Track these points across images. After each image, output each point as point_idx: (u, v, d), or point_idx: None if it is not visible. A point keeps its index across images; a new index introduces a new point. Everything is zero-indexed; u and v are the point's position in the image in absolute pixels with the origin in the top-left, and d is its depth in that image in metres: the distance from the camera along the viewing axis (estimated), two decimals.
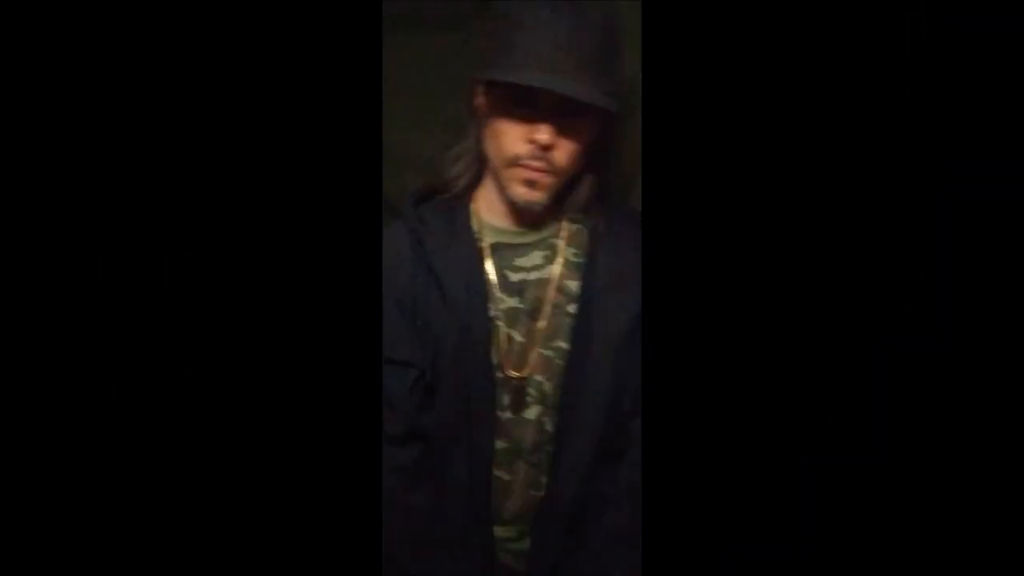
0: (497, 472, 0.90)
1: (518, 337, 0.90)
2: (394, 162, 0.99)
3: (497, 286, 0.90)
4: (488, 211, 0.93)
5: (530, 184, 0.86)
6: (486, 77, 0.84)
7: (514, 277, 0.91)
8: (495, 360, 0.89)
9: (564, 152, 0.85)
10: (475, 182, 0.94)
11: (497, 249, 0.92)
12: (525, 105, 0.84)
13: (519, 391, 0.89)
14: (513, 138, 0.85)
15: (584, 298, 0.90)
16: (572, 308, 0.90)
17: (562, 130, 0.84)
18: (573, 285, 0.91)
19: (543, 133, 0.83)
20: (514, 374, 0.89)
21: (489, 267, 0.91)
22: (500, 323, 0.90)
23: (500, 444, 0.89)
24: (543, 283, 0.91)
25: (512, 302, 0.90)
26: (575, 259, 0.92)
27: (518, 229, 0.93)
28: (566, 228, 0.93)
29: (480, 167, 0.92)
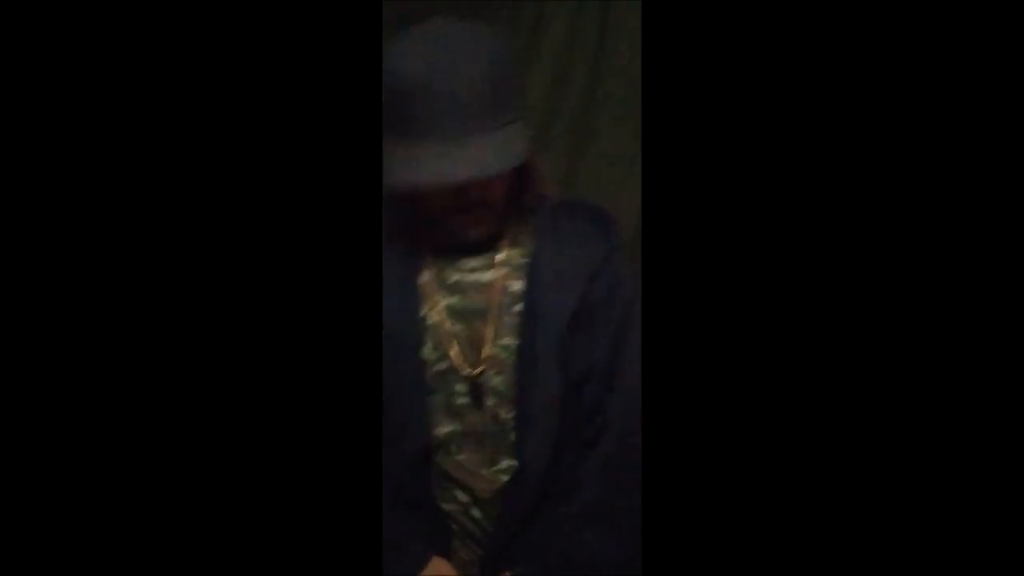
0: (459, 457, 0.92)
1: (468, 335, 0.92)
2: None
3: (433, 287, 0.92)
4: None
5: (473, 224, 0.87)
6: (393, 190, 0.83)
7: (453, 277, 0.92)
8: (428, 357, 0.91)
9: (495, 189, 0.85)
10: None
11: (438, 250, 0.93)
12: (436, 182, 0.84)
13: (477, 387, 0.92)
14: (440, 204, 0.85)
15: (528, 298, 0.92)
16: (518, 308, 0.92)
17: (482, 186, 0.84)
18: (517, 285, 0.92)
19: (466, 195, 0.83)
20: (469, 371, 0.91)
21: (427, 273, 0.92)
22: (439, 321, 0.92)
23: (455, 427, 0.91)
24: (485, 286, 0.93)
25: (452, 300, 0.92)
26: (520, 259, 0.94)
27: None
28: (511, 231, 0.94)
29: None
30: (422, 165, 0.81)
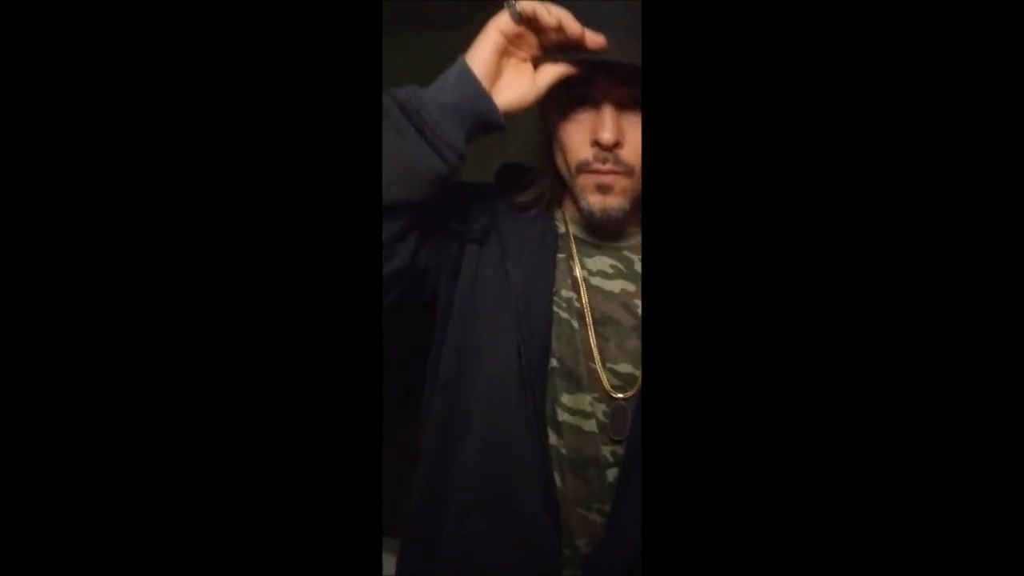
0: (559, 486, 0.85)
1: (579, 346, 0.86)
2: None
3: (563, 275, 0.87)
4: (572, 220, 0.91)
5: (603, 189, 0.82)
6: (557, 62, 0.78)
7: (576, 272, 0.87)
8: (555, 348, 0.85)
9: (634, 149, 0.81)
10: (556, 198, 0.91)
11: (572, 243, 0.89)
12: (585, 102, 0.81)
13: (620, 411, 0.84)
14: (577, 142, 0.82)
15: None
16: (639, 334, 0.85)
17: (628, 125, 0.80)
18: (639, 305, 0.86)
19: (606, 131, 0.79)
20: (616, 393, 0.84)
21: (561, 256, 0.88)
22: (565, 315, 0.86)
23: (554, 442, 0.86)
24: (609, 297, 0.87)
25: (572, 295, 0.87)
26: None
27: (593, 232, 0.89)
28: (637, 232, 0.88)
29: (557, 186, 0.89)
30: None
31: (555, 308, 0.87)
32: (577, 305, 0.87)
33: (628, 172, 0.82)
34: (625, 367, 0.85)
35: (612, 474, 0.85)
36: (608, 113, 0.80)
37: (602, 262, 0.88)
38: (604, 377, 0.85)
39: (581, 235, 0.90)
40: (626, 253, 0.89)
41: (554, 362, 0.85)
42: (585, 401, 0.85)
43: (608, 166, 0.81)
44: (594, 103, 0.81)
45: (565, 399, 0.85)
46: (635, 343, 0.85)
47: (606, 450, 0.85)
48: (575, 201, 0.86)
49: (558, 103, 0.83)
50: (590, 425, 0.85)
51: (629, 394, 0.85)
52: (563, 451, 0.85)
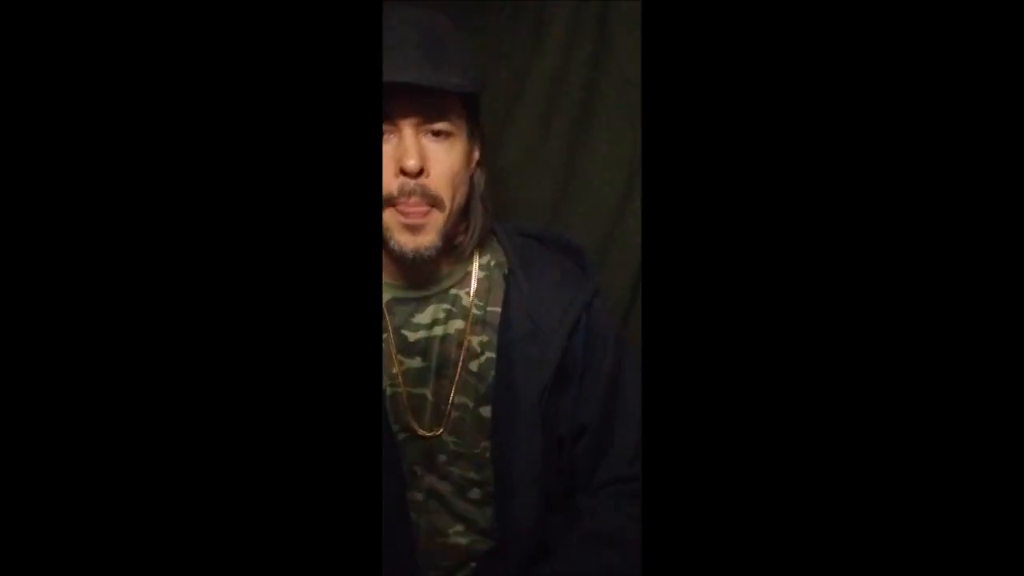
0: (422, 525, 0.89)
1: (429, 396, 0.88)
2: None
3: (396, 348, 0.87)
4: (385, 271, 0.88)
5: (413, 229, 0.81)
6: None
7: (412, 337, 0.88)
8: (400, 422, 0.88)
9: (439, 177, 0.81)
10: None
11: (393, 306, 0.88)
12: (389, 135, 0.80)
13: (429, 450, 0.88)
14: (384, 174, 0.80)
15: (501, 354, 0.87)
16: (474, 366, 0.88)
17: (432, 152, 0.80)
18: (477, 341, 0.88)
19: (410, 158, 0.78)
20: (424, 433, 0.87)
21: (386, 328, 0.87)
22: (401, 387, 0.88)
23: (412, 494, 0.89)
24: (448, 339, 0.88)
25: (414, 363, 0.88)
26: (479, 312, 0.88)
27: (413, 284, 0.88)
28: (469, 276, 0.90)
29: None
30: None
31: (390, 389, 0.88)
32: (426, 364, 0.89)
33: (436, 204, 0.81)
34: (465, 401, 0.88)
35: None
36: (409, 140, 0.79)
37: (436, 311, 0.89)
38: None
39: (403, 295, 0.89)
40: (453, 291, 0.89)
41: (401, 435, 0.88)
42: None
43: (414, 200, 0.80)
44: (397, 134, 0.80)
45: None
46: (470, 378, 0.88)
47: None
48: (384, 242, 0.84)
49: None
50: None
51: (440, 432, 0.88)
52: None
